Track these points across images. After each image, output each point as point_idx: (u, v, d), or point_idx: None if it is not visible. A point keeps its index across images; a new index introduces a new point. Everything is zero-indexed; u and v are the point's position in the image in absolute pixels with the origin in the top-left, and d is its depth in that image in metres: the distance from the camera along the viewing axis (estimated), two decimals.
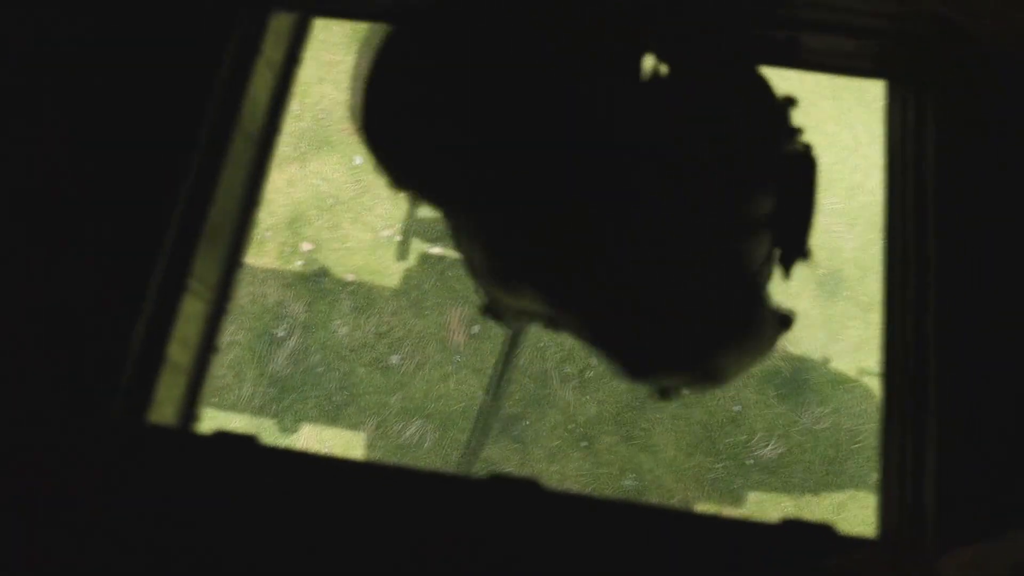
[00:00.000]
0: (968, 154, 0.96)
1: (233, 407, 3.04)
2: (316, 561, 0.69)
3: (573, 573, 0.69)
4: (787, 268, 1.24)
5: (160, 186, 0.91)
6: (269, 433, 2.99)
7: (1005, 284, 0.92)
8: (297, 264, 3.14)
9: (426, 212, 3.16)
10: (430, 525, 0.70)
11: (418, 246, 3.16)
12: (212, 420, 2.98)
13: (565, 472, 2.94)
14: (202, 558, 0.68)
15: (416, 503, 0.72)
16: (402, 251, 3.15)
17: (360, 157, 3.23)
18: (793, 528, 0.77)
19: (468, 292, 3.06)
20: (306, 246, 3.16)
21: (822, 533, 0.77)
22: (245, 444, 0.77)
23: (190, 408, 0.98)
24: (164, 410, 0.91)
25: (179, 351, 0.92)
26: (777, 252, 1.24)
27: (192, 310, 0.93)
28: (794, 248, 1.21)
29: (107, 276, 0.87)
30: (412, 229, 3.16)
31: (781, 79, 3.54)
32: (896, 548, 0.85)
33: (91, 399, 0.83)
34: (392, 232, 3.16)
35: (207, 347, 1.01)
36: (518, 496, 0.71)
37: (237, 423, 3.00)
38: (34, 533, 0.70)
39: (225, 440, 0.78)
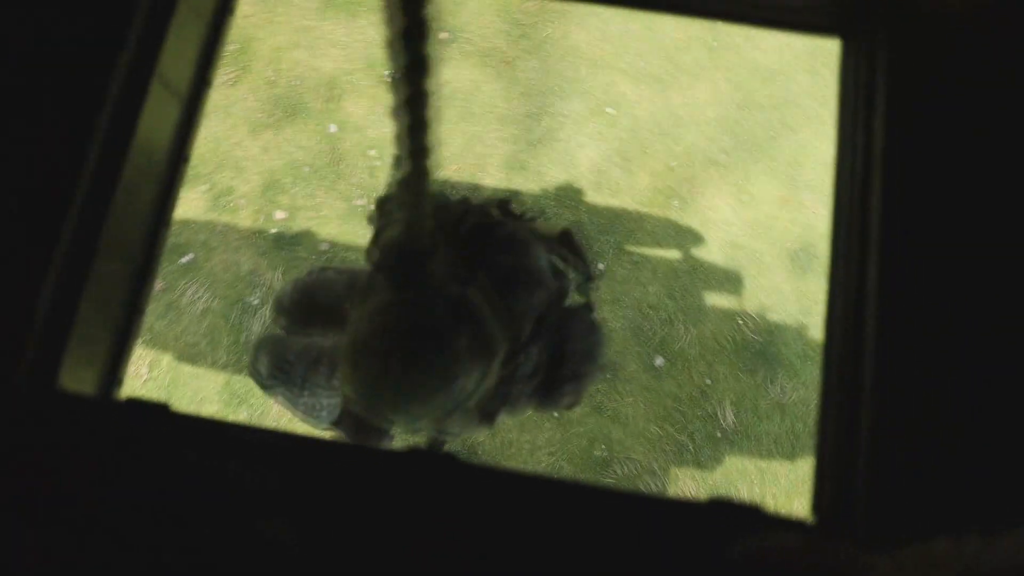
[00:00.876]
0: (920, 119, 0.92)
1: (209, 373, 3.04)
2: (223, 532, 0.69)
3: (488, 548, 0.70)
4: (587, 295, 1.72)
5: (69, 138, 0.88)
6: (247, 398, 3.00)
7: (952, 257, 0.88)
8: (271, 232, 3.12)
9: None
10: (345, 497, 0.71)
11: None
12: (188, 386, 2.98)
13: (536, 442, 2.97)
14: (106, 521, 0.68)
15: (329, 474, 0.72)
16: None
17: (335, 125, 3.21)
18: (719, 508, 0.77)
19: None
20: (280, 214, 3.14)
21: (750, 514, 0.77)
22: (157, 412, 0.77)
23: (112, 373, 0.97)
24: (81, 375, 0.90)
25: (93, 312, 0.90)
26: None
27: (107, 270, 0.91)
28: (586, 280, 1.71)
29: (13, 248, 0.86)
30: None
31: (755, 50, 3.50)
32: (823, 532, 0.86)
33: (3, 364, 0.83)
34: (366, 201, 3.15)
35: (130, 310, 0.99)
36: (434, 469, 0.72)
37: (213, 388, 3.00)
38: None
39: (136, 407, 0.77)
